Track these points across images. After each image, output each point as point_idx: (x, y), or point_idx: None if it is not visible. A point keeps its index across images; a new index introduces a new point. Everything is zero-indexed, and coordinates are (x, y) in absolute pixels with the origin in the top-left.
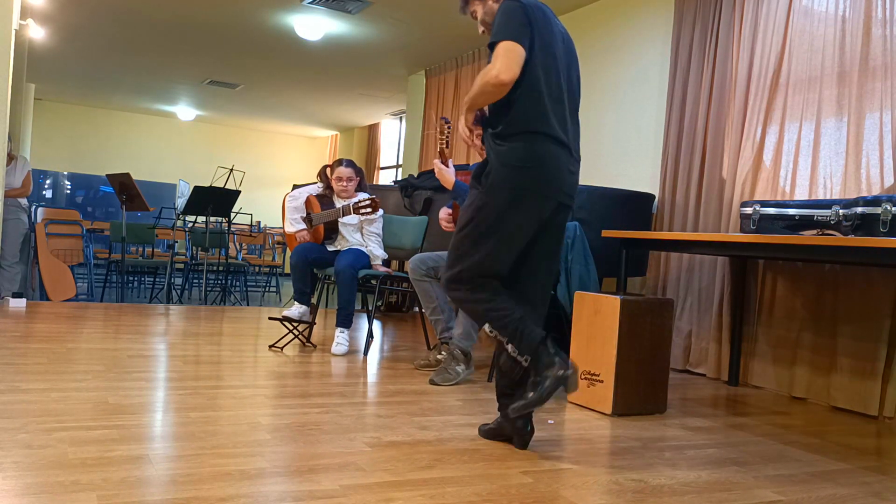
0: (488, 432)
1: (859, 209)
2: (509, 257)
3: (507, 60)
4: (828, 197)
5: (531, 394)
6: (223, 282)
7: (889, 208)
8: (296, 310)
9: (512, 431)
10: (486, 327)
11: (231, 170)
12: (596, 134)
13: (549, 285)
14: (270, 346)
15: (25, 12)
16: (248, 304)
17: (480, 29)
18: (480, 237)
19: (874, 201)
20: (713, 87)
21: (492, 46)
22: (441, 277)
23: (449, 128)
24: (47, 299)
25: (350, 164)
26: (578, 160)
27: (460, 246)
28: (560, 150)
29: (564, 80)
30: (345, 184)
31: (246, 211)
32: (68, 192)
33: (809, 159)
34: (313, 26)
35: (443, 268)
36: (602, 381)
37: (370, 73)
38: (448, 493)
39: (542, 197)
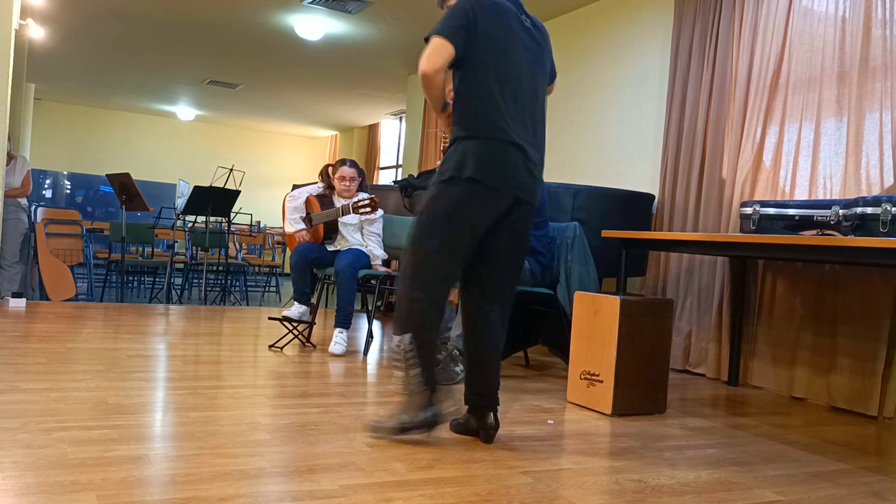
0: (458, 427)
1: (859, 209)
2: (462, 250)
3: (427, 53)
4: (828, 197)
5: (393, 421)
6: (223, 282)
7: (889, 208)
8: (296, 310)
9: (478, 426)
10: (406, 339)
11: (231, 170)
12: (596, 134)
13: (513, 288)
14: (270, 346)
15: (25, 12)
16: (247, 304)
17: None
18: (434, 226)
19: (874, 201)
20: (713, 87)
21: (427, 41)
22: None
23: None
24: (47, 299)
25: (353, 164)
26: (538, 160)
27: (416, 233)
28: (514, 151)
29: (527, 78)
30: (347, 183)
31: (246, 211)
32: (68, 191)
33: (809, 159)
34: (313, 26)
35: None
36: (602, 382)
37: (370, 73)
38: (448, 493)
39: (494, 192)
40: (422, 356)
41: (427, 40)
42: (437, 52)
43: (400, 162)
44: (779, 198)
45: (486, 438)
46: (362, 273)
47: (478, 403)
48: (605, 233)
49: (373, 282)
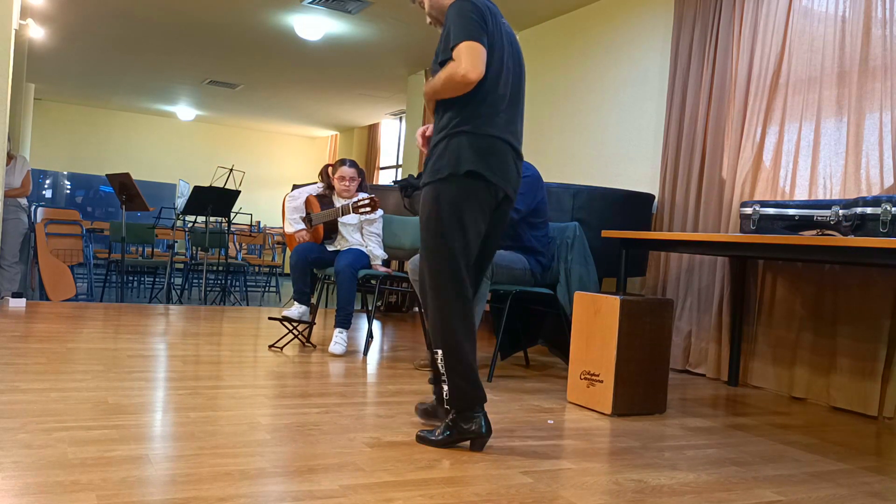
0: (424, 412)
1: (859, 209)
2: (471, 247)
3: (472, 58)
4: (828, 197)
5: (439, 434)
6: (223, 282)
7: (889, 208)
8: (295, 310)
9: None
10: (439, 354)
11: (231, 170)
12: (596, 134)
13: (486, 269)
14: (270, 346)
15: (25, 12)
16: (247, 304)
17: (427, 20)
18: (443, 229)
19: (874, 201)
20: (713, 87)
21: (452, 48)
22: (415, 279)
23: None
24: (47, 299)
25: (353, 164)
26: (521, 158)
27: (427, 241)
28: (505, 147)
29: (512, 81)
30: (347, 183)
31: (246, 211)
32: (68, 191)
33: (809, 159)
34: (313, 26)
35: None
36: (602, 382)
37: (370, 73)
38: (448, 493)
39: (490, 186)
40: (460, 365)
41: (453, 48)
42: (479, 56)
43: (400, 162)
44: (779, 198)
45: (478, 446)
46: (362, 273)
47: None
48: (605, 233)
49: (373, 282)
